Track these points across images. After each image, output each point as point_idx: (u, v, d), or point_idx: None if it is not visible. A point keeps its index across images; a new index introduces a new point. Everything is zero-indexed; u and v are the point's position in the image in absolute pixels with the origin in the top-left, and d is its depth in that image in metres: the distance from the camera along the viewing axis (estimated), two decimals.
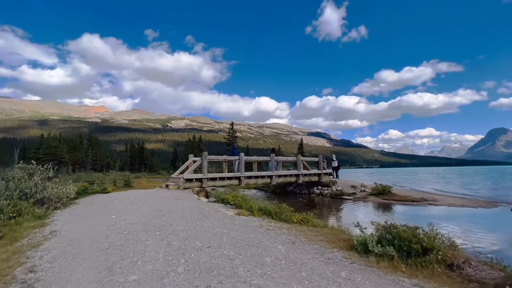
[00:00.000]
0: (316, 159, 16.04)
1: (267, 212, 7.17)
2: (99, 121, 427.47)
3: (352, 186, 14.86)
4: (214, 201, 8.31)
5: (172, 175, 11.55)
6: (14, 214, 5.71)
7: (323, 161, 15.92)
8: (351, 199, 13.10)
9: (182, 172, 11.49)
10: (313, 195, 15.39)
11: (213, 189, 10.10)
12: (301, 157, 14.48)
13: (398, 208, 10.92)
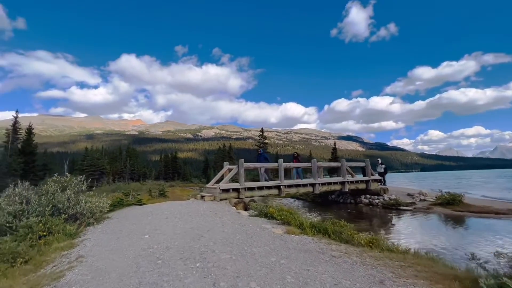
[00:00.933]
0: (360, 164, 14.29)
1: (322, 230, 5.91)
2: (136, 133, 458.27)
3: (409, 195, 12.81)
4: (256, 215, 7.25)
5: (207, 185, 10.80)
6: (45, 233, 5.20)
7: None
8: (409, 210, 11.15)
9: (217, 182, 10.69)
10: (361, 204, 13.61)
11: (253, 201, 9.06)
12: (346, 163, 12.89)
13: (480, 223, 8.81)
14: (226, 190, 9.34)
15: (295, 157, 12.92)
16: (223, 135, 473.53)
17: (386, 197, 12.82)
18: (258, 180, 12.21)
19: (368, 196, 13.71)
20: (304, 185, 11.35)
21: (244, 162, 10.94)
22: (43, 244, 4.94)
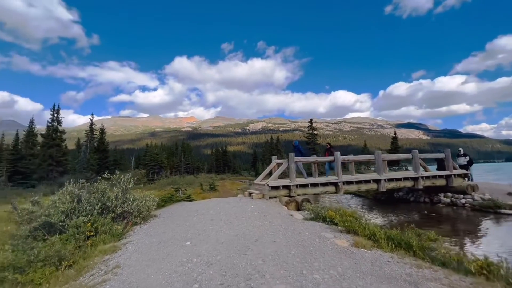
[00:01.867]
0: (436, 155, 11.68)
1: (403, 244, 4.52)
2: (190, 129, 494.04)
3: (510, 194, 9.91)
4: (311, 219, 6.13)
5: (255, 181, 10.05)
6: (92, 233, 5.07)
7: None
8: None
9: (266, 177, 9.86)
10: (440, 205, 11.16)
11: (307, 200, 7.93)
12: (418, 154, 10.61)
13: None
14: (275, 188, 8.42)
15: (328, 149, 10.89)
16: (270, 128, 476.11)
17: (476, 196, 10.17)
18: (310, 175, 10.97)
19: (449, 194, 11.17)
20: (367, 182, 9.67)
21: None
22: (90, 246, 4.79)
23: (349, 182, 9.38)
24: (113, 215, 5.77)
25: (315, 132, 44.39)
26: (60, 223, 5.10)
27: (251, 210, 6.64)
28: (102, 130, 42.81)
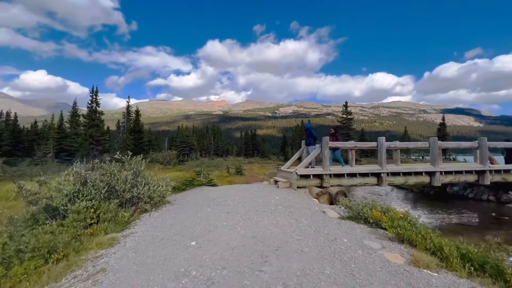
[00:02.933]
0: (509, 144, 9.36)
1: (488, 267, 3.20)
2: (221, 113, 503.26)
3: None
4: (349, 218, 4.93)
5: (282, 167, 8.99)
6: (93, 220, 4.51)
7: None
8: None
9: (294, 163, 8.72)
10: (510, 205, 9.06)
11: (341, 192, 6.68)
12: (487, 142, 8.52)
13: None
14: (305, 176, 7.27)
15: (332, 134, 9.09)
16: (301, 112, 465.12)
17: None
18: (346, 162, 9.55)
19: None
20: (417, 174, 8.02)
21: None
22: (89, 235, 4.22)
23: (395, 174, 7.85)
24: (120, 200, 5.18)
25: (350, 116, 41.27)
26: (62, 207, 4.61)
27: (275, 202, 5.63)
28: (137, 112, 44.56)
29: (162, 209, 5.65)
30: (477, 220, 7.86)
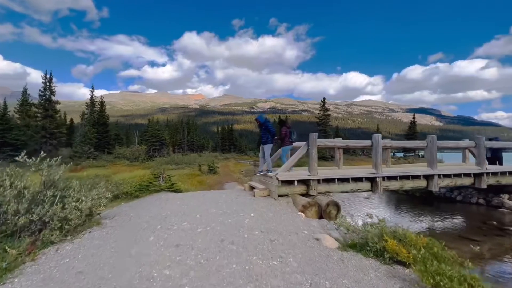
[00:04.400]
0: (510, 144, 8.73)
1: None
2: (198, 107, 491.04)
3: None
4: (351, 245, 3.55)
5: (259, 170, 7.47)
6: None
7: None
8: None
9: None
10: (502, 209, 8.43)
11: (332, 203, 5.33)
12: (485, 141, 7.73)
13: None
14: (287, 182, 5.81)
15: (283, 124, 7.22)
16: (278, 108, 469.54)
17: None
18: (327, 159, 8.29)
19: None
20: (415, 177, 6.95)
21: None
22: None
23: (391, 178, 6.69)
24: (8, 228, 3.30)
25: (328, 112, 41.03)
26: None
27: (250, 223, 4.07)
28: (102, 103, 40.48)
29: (84, 236, 3.83)
30: (470, 226, 7.00)
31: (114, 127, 48.63)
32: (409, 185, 7.00)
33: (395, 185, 6.80)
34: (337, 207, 5.44)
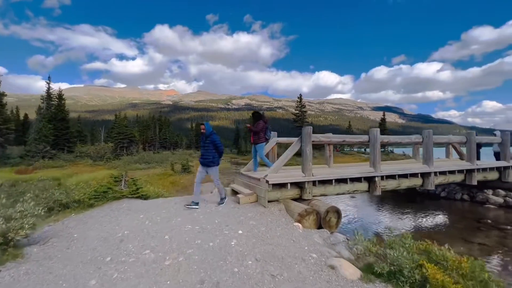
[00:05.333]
0: (493, 139, 8.64)
1: None
2: (171, 103, 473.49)
3: None
4: (376, 273, 2.69)
5: (243, 170, 6.43)
6: None
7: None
8: None
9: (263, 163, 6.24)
10: (488, 205, 8.33)
11: (332, 210, 4.50)
12: (475, 137, 7.47)
13: None
14: (278, 186, 4.86)
15: (259, 118, 6.14)
16: (253, 105, 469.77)
17: None
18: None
19: (501, 192, 8.33)
20: (413, 176, 6.41)
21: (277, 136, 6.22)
22: None
23: (390, 177, 6.06)
24: None
25: (304, 109, 40.98)
26: None
27: (239, 246, 3.03)
28: (60, 96, 36.33)
29: None
30: (459, 224, 6.67)
31: (76, 123, 44.25)
32: (405, 184, 6.44)
33: (392, 184, 6.19)
34: (338, 214, 4.61)
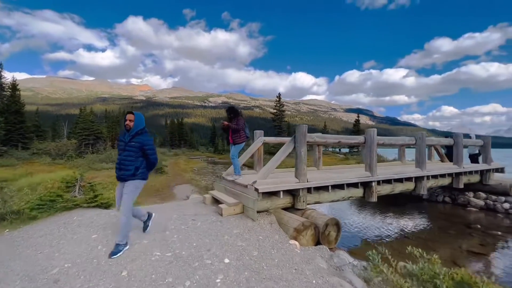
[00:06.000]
0: (476, 142, 8.65)
1: None
2: (144, 98, 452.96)
3: None
4: None
5: (225, 174, 5.55)
6: None
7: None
8: None
9: (249, 166, 5.43)
10: (470, 208, 8.33)
11: (332, 222, 3.85)
12: (463, 138, 7.34)
13: None
14: (268, 194, 4.11)
15: (240, 115, 5.24)
16: (230, 103, 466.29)
17: None
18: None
19: (482, 195, 8.38)
20: (408, 180, 6.03)
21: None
22: None
23: (386, 181, 5.60)
24: None
25: (283, 108, 40.80)
26: None
27: (226, 286, 2.22)
28: (14, 86, 32.34)
29: None
30: (444, 227, 6.48)
31: (33, 117, 39.84)
32: (399, 188, 6.04)
33: (386, 189, 5.74)
34: (337, 227, 3.98)
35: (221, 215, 4.11)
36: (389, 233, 6.06)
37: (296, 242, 3.47)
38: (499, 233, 5.97)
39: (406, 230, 6.42)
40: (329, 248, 3.77)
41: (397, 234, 6.03)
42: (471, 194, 8.62)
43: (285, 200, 4.32)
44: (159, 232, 3.43)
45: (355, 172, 5.30)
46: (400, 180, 5.86)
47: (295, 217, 3.90)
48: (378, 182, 5.38)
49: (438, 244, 5.31)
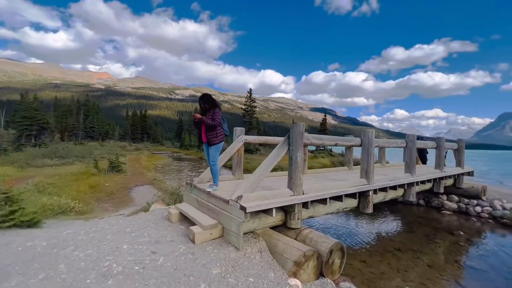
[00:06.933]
0: (451, 145, 8.68)
1: None
2: (103, 87, 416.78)
3: None
4: None
5: (197, 182, 4.42)
6: None
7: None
8: None
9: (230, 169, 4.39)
10: (443, 211, 8.35)
11: (337, 248, 3.04)
12: (445, 142, 7.19)
13: None
14: (258, 214, 3.16)
15: (217, 106, 4.05)
16: (198, 96, 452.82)
17: (498, 204, 7.60)
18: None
19: (455, 198, 8.47)
20: (401, 186, 5.56)
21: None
22: None
23: (382, 189, 5.03)
24: None
25: (254, 104, 39.98)
26: None
27: None
28: None
29: None
30: (420, 231, 6.28)
31: None
32: (390, 195, 5.55)
33: (379, 197, 5.18)
34: (342, 252, 3.19)
35: (193, 241, 3.05)
36: (363, 237, 6.02)
37: (298, 282, 2.59)
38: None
39: (378, 233, 6.36)
40: (333, 280, 2.97)
41: (369, 237, 6.01)
42: (444, 197, 8.69)
43: (276, 218, 3.42)
44: (98, 279, 2.25)
45: (350, 180, 4.60)
46: (393, 187, 5.35)
47: (292, 243, 3.01)
48: (375, 191, 4.77)
49: (411, 246, 5.23)
